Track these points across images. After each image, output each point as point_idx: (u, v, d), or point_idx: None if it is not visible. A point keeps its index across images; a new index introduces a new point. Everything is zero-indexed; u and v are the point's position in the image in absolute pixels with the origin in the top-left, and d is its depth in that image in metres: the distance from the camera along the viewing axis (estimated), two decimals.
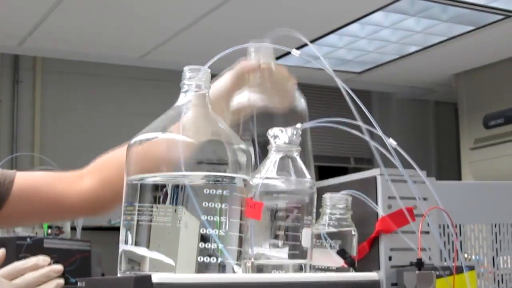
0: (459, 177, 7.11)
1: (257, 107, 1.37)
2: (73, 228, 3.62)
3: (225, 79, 1.44)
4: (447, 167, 7.92)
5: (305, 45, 1.24)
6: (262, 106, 1.37)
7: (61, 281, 1.29)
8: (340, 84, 1.16)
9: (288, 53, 1.28)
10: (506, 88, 6.62)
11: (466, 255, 1.61)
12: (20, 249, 2.96)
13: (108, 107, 6.49)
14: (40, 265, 1.28)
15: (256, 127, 1.35)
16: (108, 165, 1.56)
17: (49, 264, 1.30)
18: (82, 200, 1.56)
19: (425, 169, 1.31)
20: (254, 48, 1.43)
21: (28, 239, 3.04)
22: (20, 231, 3.46)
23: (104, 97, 6.68)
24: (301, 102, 1.40)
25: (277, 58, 1.46)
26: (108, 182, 1.54)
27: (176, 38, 5.90)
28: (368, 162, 7.69)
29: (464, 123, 7.06)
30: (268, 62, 1.41)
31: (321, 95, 6.85)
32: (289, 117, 1.38)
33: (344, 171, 7.75)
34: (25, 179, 1.56)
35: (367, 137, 1.16)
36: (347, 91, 1.16)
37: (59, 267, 1.29)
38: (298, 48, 1.27)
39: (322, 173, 6.64)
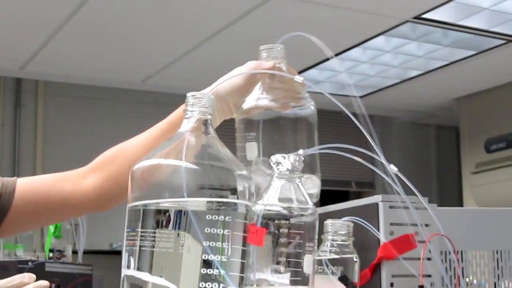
0: (460, 201, 7.10)
1: (265, 108, 1.37)
2: (75, 252, 3.60)
3: (237, 76, 1.43)
4: (448, 191, 7.92)
5: (306, 69, 1.25)
6: (270, 107, 1.37)
7: None
8: (363, 110, 1.17)
9: None
10: (508, 112, 6.62)
11: (467, 279, 1.60)
12: (21, 273, 2.94)
13: (109, 130, 6.48)
14: (26, 282, 1.28)
15: (262, 128, 1.36)
16: (113, 162, 1.55)
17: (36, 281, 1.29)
18: (88, 198, 1.55)
19: (426, 193, 1.30)
20: (266, 49, 1.44)
21: (30, 263, 3.02)
22: (22, 255, 3.45)
23: (106, 120, 6.69)
24: (310, 105, 1.40)
25: None
26: (114, 178, 1.53)
27: (178, 63, 5.92)
28: (369, 185, 7.69)
29: (466, 147, 7.06)
30: (280, 63, 1.42)
31: (320, 119, 6.86)
32: (296, 119, 1.38)
33: (345, 195, 7.74)
34: (26, 186, 1.53)
35: (379, 171, 1.16)
36: (362, 118, 1.16)
37: (44, 283, 1.28)
38: (299, 73, 1.28)
39: (324, 197, 6.61)
